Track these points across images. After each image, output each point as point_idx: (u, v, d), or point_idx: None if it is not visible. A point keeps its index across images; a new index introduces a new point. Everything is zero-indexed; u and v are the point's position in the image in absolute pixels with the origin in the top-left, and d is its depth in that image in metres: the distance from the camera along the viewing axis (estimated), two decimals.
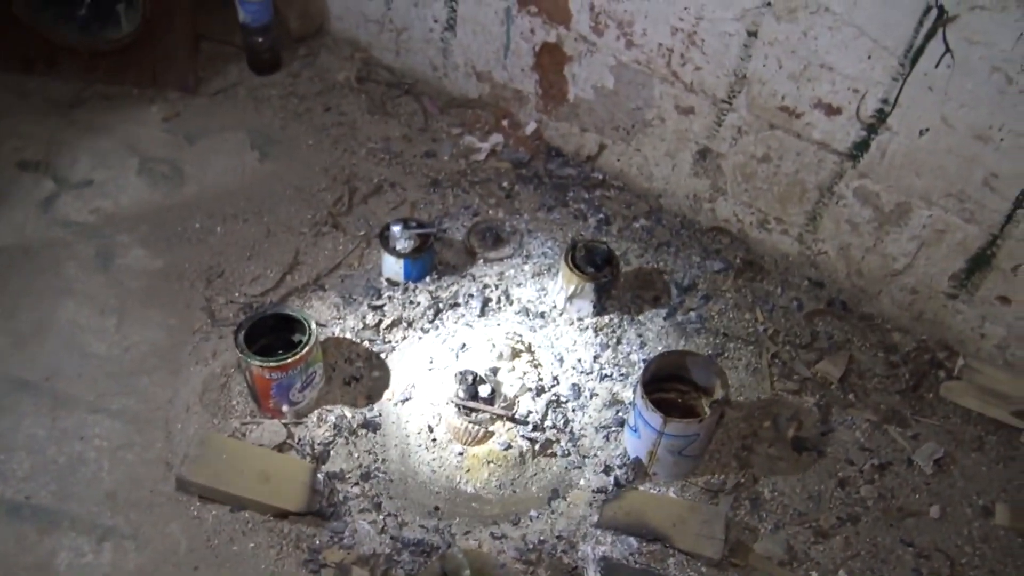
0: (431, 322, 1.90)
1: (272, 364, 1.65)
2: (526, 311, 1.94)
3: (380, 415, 1.76)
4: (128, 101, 2.38)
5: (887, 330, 1.99)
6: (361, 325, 1.89)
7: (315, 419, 1.73)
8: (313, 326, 1.70)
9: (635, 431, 1.64)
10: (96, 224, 2.06)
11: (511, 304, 1.96)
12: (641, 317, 1.96)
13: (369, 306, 1.92)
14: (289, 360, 1.66)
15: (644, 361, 1.85)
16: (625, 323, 1.94)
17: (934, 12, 1.62)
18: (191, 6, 2.38)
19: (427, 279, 1.98)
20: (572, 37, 2.14)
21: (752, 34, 1.86)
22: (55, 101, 2.34)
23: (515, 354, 1.83)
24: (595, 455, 1.71)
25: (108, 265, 1.98)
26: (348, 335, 1.88)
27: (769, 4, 1.81)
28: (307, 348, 1.67)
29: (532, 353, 1.85)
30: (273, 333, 1.74)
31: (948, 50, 1.65)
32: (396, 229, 1.93)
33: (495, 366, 1.81)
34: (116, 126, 2.29)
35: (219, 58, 2.51)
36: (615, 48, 2.08)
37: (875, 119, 1.80)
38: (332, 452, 1.69)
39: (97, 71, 2.39)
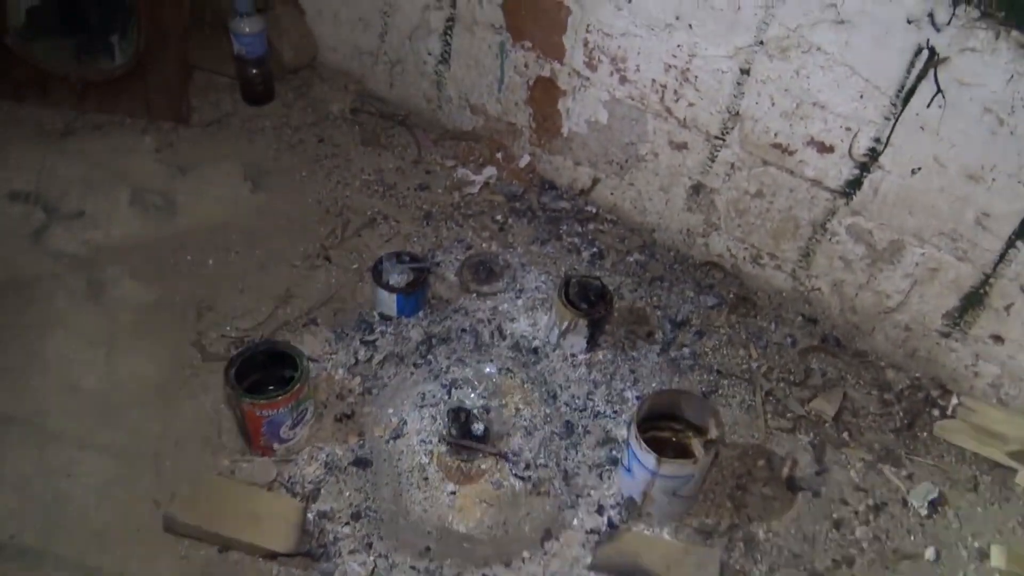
0: (423, 357, 1.89)
1: (263, 401, 1.63)
2: (519, 346, 1.93)
3: (371, 453, 1.74)
4: (120, 131, 2.37)
5: (881, 367, 1.98)
6: (353, 360, 1.88)
7: (306, 457, 1.71)
8: (305, 362, 1.68)
9: (629, 471, 1.62)
10: (87, 256, 2.05)
11: (504, 339, 1.95)
12: (634, 353, 1.95)
13: (361, 341, 1.91)
14: (280, 398, 1.64)
15: (637, 398, 1.84)
16: (619, 359, 1.93)
17: (925, 53, 1.64)
18: (185, 37, 2.38)
19: (420, 313, 1.97)
20: (566, 72, 2.16)
21: (745, 72, 1.88)
22: (47, 130, 2.33)
23: (508, 391, 1.82)
24: (588, 494, 1.70)
25: (99, 297, 1.96)
26: (340, 371, 1.86)
27: (762, 43, 1.82)
28: (299, 385, 1.65)
29: (525, 390, 1.84)
30: (264, 369, 1.72)
31: (939, 91, 1.66)
32: (389, 264, 1.92)
33: (488, 403, 1.79)
34: (108, 156, 2.28)
35: (212, 88, 2.51)
36: (609, 83, 2.09)
37: (867, 157, 1.81)
38: (322, 491, 1.66)
39: (89, 101, 2.39)
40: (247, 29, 2.35)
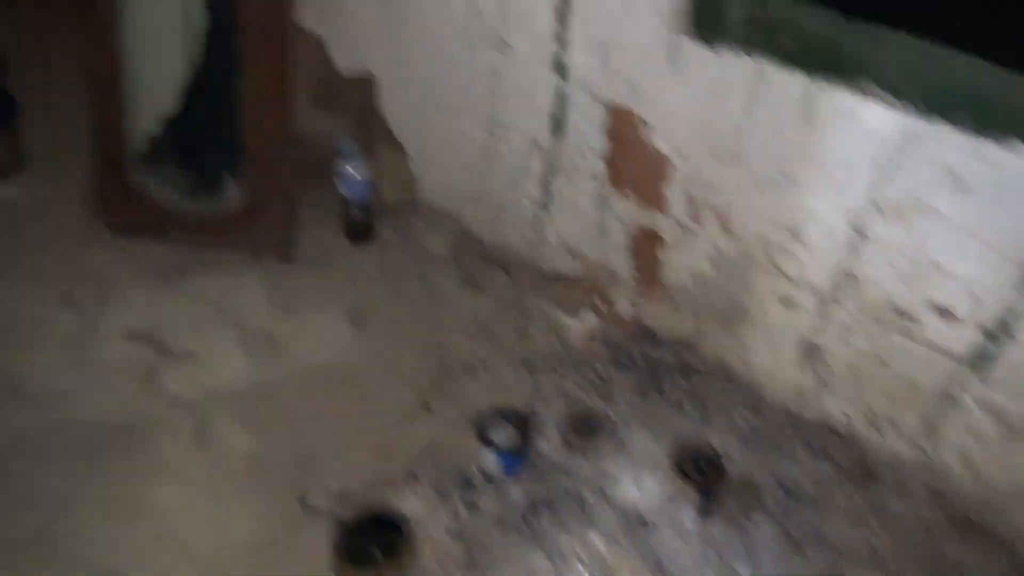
0: (526, 523, 1.84)
1: (369, 572, 1.60)
2: (626, 514, 1.86)
3: None
4: (228, 269, 2.43)
5: (1020, 551, 1.85)
6: (455, 523, 1.83)
7: None
8: (409, 528, 1.66)
9: None
10: (195, 399, 2.08)
11: (609, 504, 1.88)
12: (747, 524, 1.86)
13: (463, 501, 1.87)
14: (385, 567, 1.61)
15: None
16: (731, 531, 1.84)
17: None
18: (292, 176, 2.47)
19: (522, 472, 1.93)
20: (668, 223, 2.15)
21: (858, 231, 1.84)
22: (159, 269, 2.41)
23: (616, 566, 1.74)
24: None
25: (205, 445, 1.98)
26: (441, 532, 1.82)
27: (875, 204, 1.78)
28: (404, 553, 1.62)
29: (634, 565, 1.76)
30: (366, 532, 1.70)
31: None
32: (492, 421, 1.90)
33: None
34: (217, 295, 2.35)
35: (314, 224, 2.58)
36: (712, 236, 2.07)
37: (996, 327, 1.73)
38: None
39: (201, 238, 2.48)
40: (354, 174, 2.43)
